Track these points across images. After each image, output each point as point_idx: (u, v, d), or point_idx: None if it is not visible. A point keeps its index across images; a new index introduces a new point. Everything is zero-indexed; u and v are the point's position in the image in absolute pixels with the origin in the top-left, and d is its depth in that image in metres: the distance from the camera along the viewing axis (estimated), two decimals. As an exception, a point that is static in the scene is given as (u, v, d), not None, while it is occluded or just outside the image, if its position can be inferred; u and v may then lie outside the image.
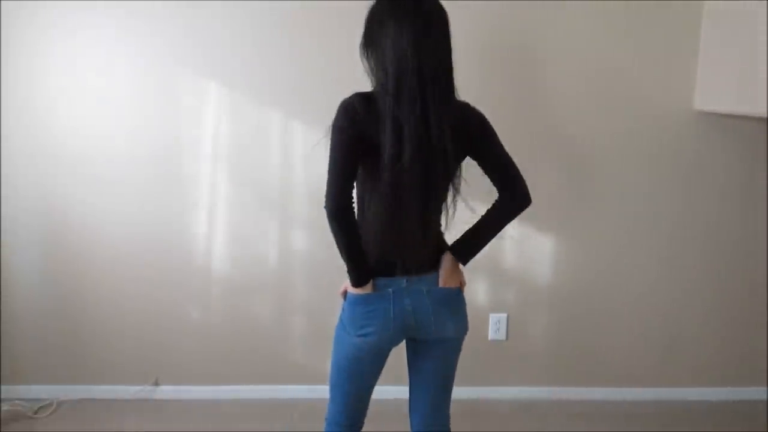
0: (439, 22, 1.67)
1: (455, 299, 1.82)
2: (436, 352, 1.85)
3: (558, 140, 2.88)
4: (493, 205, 1.85)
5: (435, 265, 1.79)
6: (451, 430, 1.99)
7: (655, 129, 2.89)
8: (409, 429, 2.36)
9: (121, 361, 2.95)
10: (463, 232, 1.86)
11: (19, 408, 2.81)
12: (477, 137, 1.77)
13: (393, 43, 1.62)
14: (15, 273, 2.86)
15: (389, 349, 1.83)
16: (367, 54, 1.71)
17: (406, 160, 1.62)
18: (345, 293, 1.82)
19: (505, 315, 3.00)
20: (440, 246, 1.83)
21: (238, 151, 2.83)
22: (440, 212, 1.79)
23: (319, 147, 2.79)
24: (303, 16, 2.72)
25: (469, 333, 3.00)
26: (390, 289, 1.74)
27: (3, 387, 2.89)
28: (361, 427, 1.95)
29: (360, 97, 1.68)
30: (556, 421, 2.90)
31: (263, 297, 2.94)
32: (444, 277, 1.80)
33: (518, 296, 3.00)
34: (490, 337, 3.01)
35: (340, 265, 2.88)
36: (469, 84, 2.84)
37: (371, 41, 1.69)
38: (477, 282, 2.96)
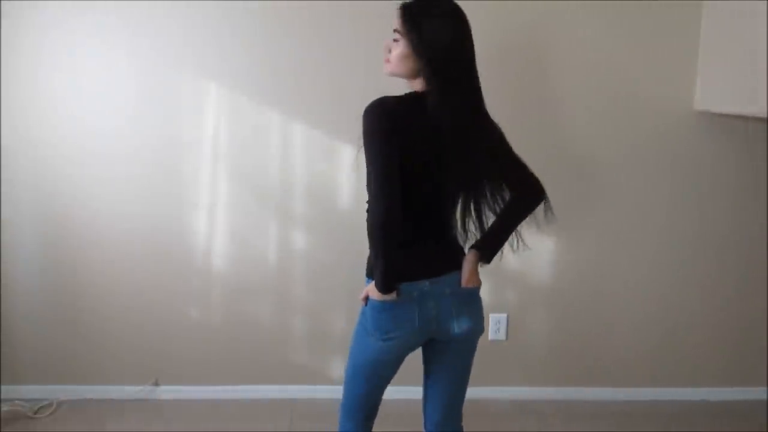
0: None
1: (476, 299, 1.85)
2: (453, 352, 1.87)
3: (557, 140, 2.88)
4: (509, 202, 1.86)
5: (454, 265, 1.80)
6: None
7: (655, 129, 2.89)
8: (411, 428, 2.40)
9: (121, 361, 2.95)
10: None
11: (19, 408, 2.81)
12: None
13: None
14: (15, 273, 2.86)
15: (411, 351, 1.84)
16: None
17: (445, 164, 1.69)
18: (366, 298, 1.76)
19: (505, 315, 3.00)
20: (456, 246, 1.84)
21: (238, 151, 2.83)
22: (454, 213, 1.82)
23: (318, 146, 2.82)
24: (303, 16, 2.72)
25: (468, 333, 2.98)
26: (414, 293, 1.73)
27: (3, 387, 2.88)
28: (373, 421, 1.96)
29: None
30: (556, 421, 2.90)
31: (263, 297, 2.94)
32: (467, 277, 1.81)
33: (518, 296, 3.00)
34: (490, 337, 3.01)
35: (339, 265, 2.89)
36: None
37: None
38: (477, 282, 2.97)
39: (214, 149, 2.83)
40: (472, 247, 1.85)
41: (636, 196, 2.95)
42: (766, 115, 2.37)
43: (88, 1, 2.67)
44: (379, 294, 1.69)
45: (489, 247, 1.85)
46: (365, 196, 1.72)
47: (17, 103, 2.73)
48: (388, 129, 1.63)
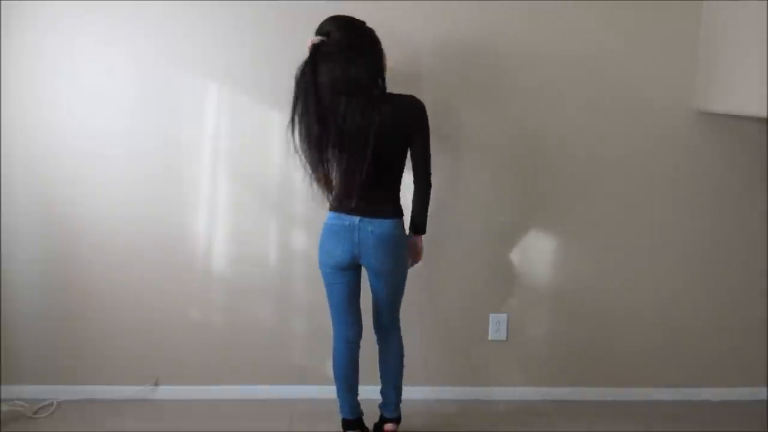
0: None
1: (395, 243, 2.40)
2: (380, 279, 2.46)
3: (558, 140, 2.88)
4: (414, 194, 2.45)
5: (380, 215, 2.36)
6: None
7: (655, 129, 2.89)
8: (411, 429, 2.60)
9: (121, 361, 2.94)
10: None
11: (19, 408, 2.81)
12: (413, 125, 2.36)
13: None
14: (15, 273, 2.86)
15: (349, 267, 2.43)
16: None
17: (342, 144, 2.28)
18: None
19: (505, 315, 3.00)
20: (395, 204, 2.42)
21: (238, 151, 2.83)
22: (389, 180, 2.39)
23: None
24: (304, 16, 2.72)
25: (469, 333, 3.05)
26: (347, 223, 2.36)
27: (3, 387, 2.88)
28: (359, 340, 2.56)
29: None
30: (556, 421, 2.90)
31: (263, 297, 2.94)
32: (416, 251, 2.56)
33: (518, 296, 3.00)
34: (490, 337, 3.01)
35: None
36: (468, 84, 2.85)
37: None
38: (477, 282, 2.97)
39: (214, 149, 2.83)
40: (411, 230, 2.50)
41: (635, 196, 2.94)
42: (766, 115, 2.37)
43: (88, 1, 2.67)
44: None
45: (419, 226, 2.50)
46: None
47: (17, 104, 2.73)
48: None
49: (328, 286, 2.49)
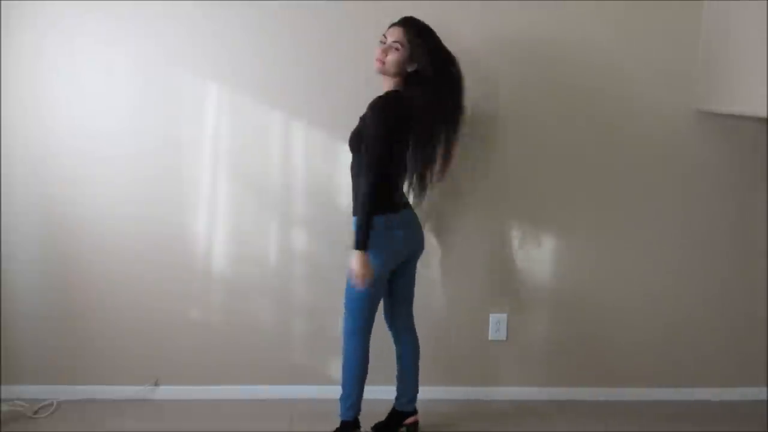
0: None
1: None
2: (410, 267, 2.59)
3: (557, 140, 2.88)
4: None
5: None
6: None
7: (655, 129, 2.89)
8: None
9: (121, 361, 2.94)
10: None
11: (19, 408, 2.81)
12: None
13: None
14: (15, 273, 2.86)
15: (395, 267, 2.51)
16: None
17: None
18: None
19: (505, 315, 3.00)
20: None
21: (238, 151, 2.83)
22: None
23: (319, 146, 2.82)
24: (304, 16, 2.73)
25: (469, 333, 3.05)
26: (411, 215, 2.52)
27: (3, 387, 2.88)
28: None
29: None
30: (556, 421, 2.90)
31: (263, 297, 2.94)
32: None
33: (518, 296, 3.00)
34: (490, 337, 3.01)
35: (339, 265, 2.89)
36: (468, 84, 2.85)
37: None
38: (477, 282, 2.97)
39: (214, 149, 2.83)
40: None
41: (636, 196, 2.95)
42: (766, 115, 2.37)
43: (88, 2, 2.67)
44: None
45: None
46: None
47: (17, 104, 2.73)
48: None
49: (381, 281, 2.46)
